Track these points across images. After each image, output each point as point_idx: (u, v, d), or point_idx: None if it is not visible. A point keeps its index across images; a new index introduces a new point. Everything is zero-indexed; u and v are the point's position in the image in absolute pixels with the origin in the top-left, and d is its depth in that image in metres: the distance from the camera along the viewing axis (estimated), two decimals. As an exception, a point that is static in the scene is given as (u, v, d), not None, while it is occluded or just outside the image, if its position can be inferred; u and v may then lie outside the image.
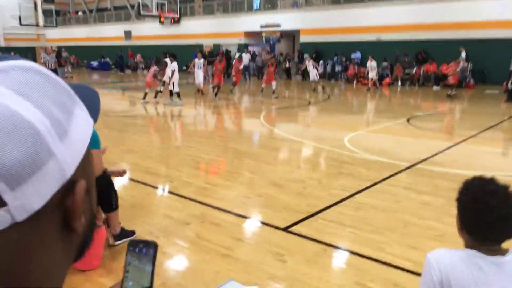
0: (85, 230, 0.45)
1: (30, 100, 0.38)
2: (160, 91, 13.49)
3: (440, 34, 19.50)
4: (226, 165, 6.35)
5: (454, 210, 4.32)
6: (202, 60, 15.20)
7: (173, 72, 12.45)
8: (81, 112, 0.44)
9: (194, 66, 15.35)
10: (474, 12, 18.49)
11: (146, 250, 0.60)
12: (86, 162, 0.44)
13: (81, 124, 0.43)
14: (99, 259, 3.16)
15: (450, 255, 1.37)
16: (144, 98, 13.39)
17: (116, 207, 3.40)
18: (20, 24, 35.04)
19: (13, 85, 0.38)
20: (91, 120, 0.46)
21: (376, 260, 3.27)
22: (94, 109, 0.48)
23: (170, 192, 5.05)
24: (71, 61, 29.87)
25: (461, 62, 16.59)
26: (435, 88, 18.34)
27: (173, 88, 12.79)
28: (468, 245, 1.38)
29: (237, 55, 19.95)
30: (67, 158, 0.40)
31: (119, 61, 30.19)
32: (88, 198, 0.45)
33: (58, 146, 0.38)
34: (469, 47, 18.33)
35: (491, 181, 1.34)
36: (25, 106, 0.37)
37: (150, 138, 8.38)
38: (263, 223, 4.04)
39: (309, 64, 17.87)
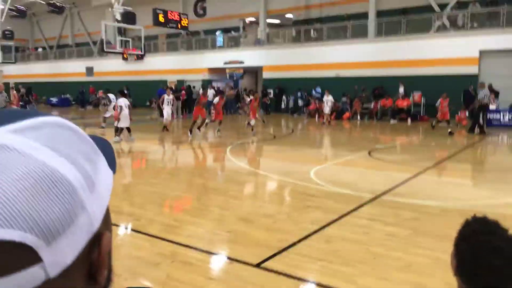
0: (105, 283, 0.45)
1: (64, 156, 0.39)
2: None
3: (394, 71, 20.60)
4: (193, 201, 6.27)
5: (418, 241, 4.44)
6: (171, 96, 15.36)
7: (120, 108, 12.06)
8: (103, 164, 0.45)
9: (162, 102, 15.41)
10: (426, 50, 19.76)
11: None
12: (108, 213, 0.45)
13: (105, 176, 0.44)
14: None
15: None
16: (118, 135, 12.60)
17: None
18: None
19: (47, 141, 0.39)
20: (111, 171, 0.47)
21: (348, 293, 3.29)
22: (111, 160, 0.49)
23: (135, 231, 4.90)
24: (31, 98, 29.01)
25: (399, 96, 17.99)
26: (392, 121, 19.17)
27: (118, 124, 12.22)
28: None
29: (201, 90, 20.14)
30: (95, 210, 0.40)
31: (80, 97, 29.67)
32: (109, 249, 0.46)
33: (88, 199, 0.39)
34: (422, 82, 19.45)
35: (495, 232, 1.19)
36: (61, 162, 0.38)
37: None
38: (235, 260, 3.99)
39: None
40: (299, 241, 4.43)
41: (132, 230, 4.99)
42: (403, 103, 19.81)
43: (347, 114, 20.78)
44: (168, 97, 14.89)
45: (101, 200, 0.42)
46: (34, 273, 0.35)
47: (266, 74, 25.98)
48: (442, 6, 20.74)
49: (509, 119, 15.37)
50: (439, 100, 15.34)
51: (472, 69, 18.86)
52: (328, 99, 17.77)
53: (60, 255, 0.36)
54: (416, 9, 21.12)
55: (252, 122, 14.41)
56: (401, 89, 19.76)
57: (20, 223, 0.34)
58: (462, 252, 1.22)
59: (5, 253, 0.34)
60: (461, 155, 10.25)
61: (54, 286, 0.37)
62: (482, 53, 18.69)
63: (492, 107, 15.44)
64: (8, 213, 0.34)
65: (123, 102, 12.09)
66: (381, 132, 16.46)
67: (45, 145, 0.38)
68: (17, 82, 33.64)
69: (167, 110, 14.90)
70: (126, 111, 12.01)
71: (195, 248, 4.22)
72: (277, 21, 28.70)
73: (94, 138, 0.50)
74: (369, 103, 20.91)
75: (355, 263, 3.84)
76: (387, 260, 3.93)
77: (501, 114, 16.33)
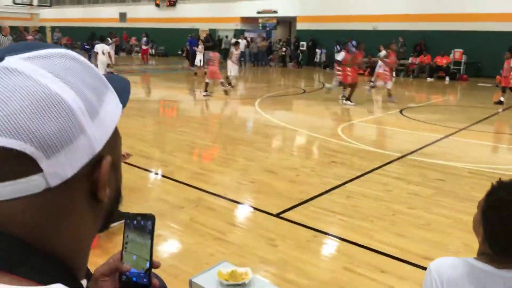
0: (111, 202, 0.52)
1: (67, 82, 0.44)
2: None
3: (435, 25, 19.52)
4: (220, 151, 6.42)
5: (441, 200, 4.44)
6: (201, 46, 16.09)
7: (96, 53, 12.22)
8: (112, 96, 0.50)
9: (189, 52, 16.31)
10: (470, 4, 18.51)
11: (144, 222, 0.62)
12: (114, 140, 0.50)
13: (112, 107, 0.49)
14: (95, 240, 3.23)
15: (454, 267, 1.24)
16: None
17: None
18: (14, 3, 34.44)
19: (54, 69, 0.44)
20: (120, 104, 0.52)
21: (364, 247, 3.38)
22: (124, 95, 0.55)
23: (164, 176, 5.12)
24: (60, 43, 29.46)
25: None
26: (429, 79, 18.45)
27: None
28: (482, 251, 1.25)
29: (233, 41, 19.87)
30: (96, 135, 0.46)
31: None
32: (114, 172, 0.51)
33: (89, 124, 0.45)
34: (463, 39, 18.41)
35: None
36: (63, 88, 0.43)
37: (144, 122, 8.40)
38: (256, 208, 4.13)
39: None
40: (320, 194, 4.52)
41: (162, 175, 5.20)
42: (442, 61, 18.93)
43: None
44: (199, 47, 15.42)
45: (104, 127, 0.47)
46: (35, 181, 0.42)
47: (300, 25, 25.20)
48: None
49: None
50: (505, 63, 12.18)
51: (521, 26, 17.61)
52: (380, 55, 16.19)
53: (59, 168, 0.42)
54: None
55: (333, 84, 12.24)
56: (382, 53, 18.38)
57: (21, 134, 0.40)
58: (491, 222, 1.20)
59: (8, 160, 0.40)
60: (496, 117, 9.86)
61: (56, 195, 0.43)
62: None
63: None
64: (11, 126, 0.40)
65: (100, 48, 12.07)
66: (416, 90, 15.94)
67: (51, 72, 0.44)
68: (53, 26, 34.15)
69: (199, 57, 15.72)
70: (102, 57, 11.96)
71: (219, 196, 4.38)
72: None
73: (111, 76, 0.55)
74: (406, 60, 20.10)
75: (373, 219, 3.91)
76: (407, 218, 3.97)
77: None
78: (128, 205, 3.96)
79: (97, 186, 0.47)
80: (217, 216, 3.88)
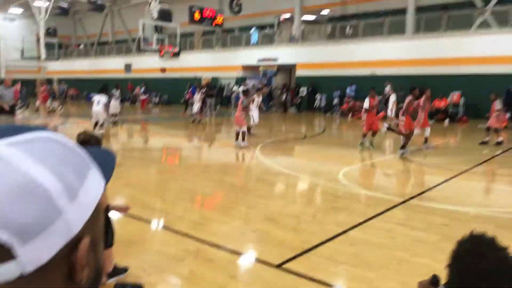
0: (90, 282, 0.51)
1: (48, 167, 0.45)
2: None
3: (432, 69, 19.97)
4: (221, 200, 6.38)
5: (446, 247, 4.33)
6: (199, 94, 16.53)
7: (92, 103, 12.56)
8: (94, 175, 0.51)
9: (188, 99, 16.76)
10: (467, 48, 19.02)
11: None
12: (94, 219, 0.50)
13: (93, 186, 0.50)
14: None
15: None
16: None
17: (111, 244, 3.41)
18: (22, 57, 35.72)
19: (36, 154, 0.45)
20: (103, 181, 0.53)
21: (368, 298, 3.27)
22: (108, 170, 0.56)
23: (164, 227, 5.06)
24: (66, 94, 30.23)
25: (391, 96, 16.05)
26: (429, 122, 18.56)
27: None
28: None
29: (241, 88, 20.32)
30: (75, 217, 0.46)
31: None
32: (94, 252, 0.50)
33: (67, 206, 0.45)
34: (462, 82, 18.75)
35: (486, 254, 1.23)
36: (43, 173, 0.44)
37: (146, 171, 8.43)
38: (257, 259, 4.05)
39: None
40: (323, 243, 4.43)
41: (162, 226, 5.15)
42: (440, 103, 19.19)
43: (382, 114, 20.33)
44: (197, 95, 15.89)
45: (83, 208, 0.48)
46: (9, 268, 0.41)
47: (299, 72, 25.83)
48: (485, 1, 19.89)
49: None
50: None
51: (517, 68, 17.99)
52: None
53: (35, 254, 0.42)
54: (457, 5, 20.35)
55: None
56: (387, 88, 19.31)
57: None
58: (451, 272, 1.26)
59: None
60: (499, 159, 9.84)
61: (32, 280, 0.43)
62: (528, 51, 17.78)
63: None
64: None
65: (97, 98, 12.25)
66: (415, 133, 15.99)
67: (32, 156, 0.45)
68: (60, 78, 35.13)
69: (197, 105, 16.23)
70: (96, 107, 12.04)
71: (219, 246, 4.31)
72: (312, 18, 28.43)
73: (95, 150, 0.56)
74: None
75: (378, 268, 3.81)
76: (412, 266, 3.87)
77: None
78: (127, 259, 3.90)
79: (74, 268, 0.46)
80: (217, 268, 3.79)
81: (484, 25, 19.18)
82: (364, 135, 10.58)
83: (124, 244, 4.31)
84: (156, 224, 5.23)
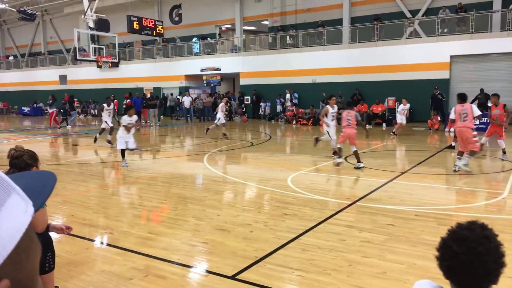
0: None
1: None
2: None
3: (368, 76, 20.97)
4: (169, 212, 6.17)
5: (393, 246, 4.48)
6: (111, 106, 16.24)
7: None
8: (14, 204, 0.42)
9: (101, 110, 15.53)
10: (399, 56, 20.18)
11: None
12: (18, 255, 0.41)
13: (12, 218, 0.41)
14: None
15: None
16: None
17: (51, 269, 3.12)
18: None
19: None
20: (30, 208, 0.44)
21: (324, 303, 3.27)
22: (42, 194, 0.48)
23: (109, 245, 4.78)
24: None
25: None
26: (367, 126, 19.40)
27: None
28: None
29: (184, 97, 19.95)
30: None
31: (63, 108, 29.10)
32: None
33: None
34: (396, 88, 19.83)
35: (471, 228, 1.31)
36: None
37: (87, 187, 7.98)
38: (210, 272, 3.93)
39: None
40: (276, 250, 4.41)
41: (105, 244, 4.86)
42: (377, 109, 20.15)
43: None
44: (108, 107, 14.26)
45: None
46: None
47: (243, 81, 26.00)
48: (414, 13, 21.27)
49: (479, 122, 15.75)
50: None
51: (444, 74, 19.36)
52: (404, 107, 16.10)
53: None
54: (389, 16, 21.58)
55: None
56: (288, 95, 21.39)
57: None
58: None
59: None
60: (434, 160, 10.45)
61: None
62: (452, 58, 19.21)
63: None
64: None
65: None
66: (357, 137, 16.60)
67: None
68: (-13, 91, 32.66)
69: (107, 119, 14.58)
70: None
71: (170, 261, 4.14)
72: (253, 28, 28.82)
73: (31, 173, 0.47)
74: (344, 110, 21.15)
75: (330, 272, 3.84)
76: (363, 267, 3.95)
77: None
78: (69, 282, 3.62)
79: None
80: (168, 285, 3.62)
81: (414, 34, 20.50)
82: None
83: (65, 266, 4.01)
84: (100, 242, 4.93)
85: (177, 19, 29.82)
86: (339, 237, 4.78)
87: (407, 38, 20.51)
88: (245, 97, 25.28)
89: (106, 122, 14.07)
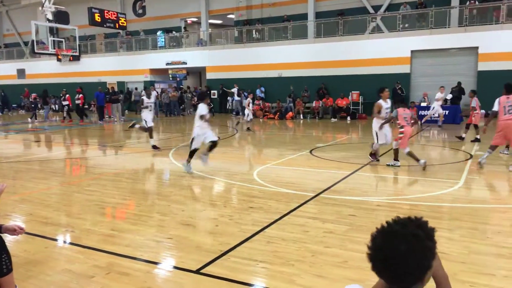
0: None
1: None
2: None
3: (333, 70, 21.31)
4: (133, 208, 6.08)
5: (355, 236, 4.62)
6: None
7: None
8: None
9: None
10: (362, 50, 20.62)
11: None
12: None
13: None
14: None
15: None
16: None
17: (9, 270, 2.99)
18: None
19: None
20: None
21: (287, 293, 3.34)
22: None
23: (70, 243, 4.67)
24: None
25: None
26: (333, 120, 19.81)
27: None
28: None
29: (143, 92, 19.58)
30: None
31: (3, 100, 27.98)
32: None
33: None
34: (360, 82, 20.27)
35: (403, 222, 1.30)
36: None
37: (47, 185, 7.72)
38: (175, 267, 3.92)
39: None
40: (241, 243, 4.44)
41: (66, 242, 4.74)
42: (342, 102, 20.53)
43: (290, 114, 21.17)
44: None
45: None
46: None
47: (210, 75, 25.83)
48: (377, 8, 21.75)
49: (438, 114, 16.39)
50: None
51: (405, 68, 19.96)
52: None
53: None
54: (353, 11, 21.98)
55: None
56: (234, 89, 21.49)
57: None
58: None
59: None
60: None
61: None
62: (413, 52, 19.82)
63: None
64: None
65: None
66: (322, 130, 16.93)
67: None
68: None
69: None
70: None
71: (133, 258, 4.09)
72: (219, 22, 28.63)
73: None
74: (311, 103, 21.47)
75: (294, 263, 3.91)
76: (325, 257, 4.04)
77: (431, 110, 17.37)
78: (29, 282, 3.51)
79: None
80: (132, 282, 3.58)
81: (376, 29, 20.99)
82: None
83: (24, 265, 3.89)
84: (61, 240, 4.81)
85: (141, 11, 29.19)
86: (303, 228, 4.87)
87: (370, 33, 20.98)
88: (212, 91, 25.11)
89: (145, 121, 11.48)
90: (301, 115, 21.07)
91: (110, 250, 4.30)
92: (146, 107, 11.43)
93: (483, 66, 18.27)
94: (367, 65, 20.48)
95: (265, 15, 25.16)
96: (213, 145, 8.01)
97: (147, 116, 11.42)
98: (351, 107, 20.45)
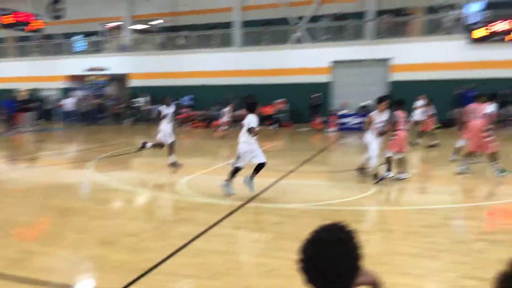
0: None
1: None
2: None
3: (259, 79, 21.70)
4: (46, 227, 5.60)
5: (281, 244, 4.65)
6: None
7: None
8: None
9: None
10: (286, 60, 21.25)
11: None
12: None
13: None
14: None
15: None
16: None
17: None
18: None
19: None
20: None
21: (214, 309, 3.25)
22: None
23: (-29, 271, 4.15)
24: None
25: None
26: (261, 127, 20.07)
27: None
28: None
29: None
30: None
31: None
32: None
33: None
34: (285, 91, 20.84)
35: (328, 229, 1.34)
36: None
37: None
38: (92, 289, 3.64)
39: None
40: (166, 259, 4.26)
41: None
42: (268, 110, 20.91)
43: (219, 121, 21.08)
44: None
45: None
46: None
47: (134, 82, 24.93)
48: (301, 19, 22.58)
49: (357, 122, 17.41)
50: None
51: (326, 78, 20.91)
52: (419, 104, 13.58)
53: None
54: (277, 21, 22.57)
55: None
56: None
57: None
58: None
59: None
60: (318, 159, 11.20)
61: None
62: (334, 63, 20.83)
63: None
64: None
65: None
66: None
67: None
68: None
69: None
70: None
71: (46, 283, 3.74)
72: (143, 27, 27.83)
73: None
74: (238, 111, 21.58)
75: (221, 276, 3.84)
76: (252, 267, 4.03)
77: (350, 118, 18.39)
78: None
79: None
80: (42, 310, 3.26)
81: (300, 40, 21.77)
82: None
83: None
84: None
85: (57, 14, 27.40)
86: (230, 239, 4.82)
87: (294, 44, 21.70)
88: (136, 99, 24.23)
89: (163, 133, 9.59)
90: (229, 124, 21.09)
91: (18, 275, 3.89)
92: (165, 118, 9.67)
93: (394, 76, 19.74)
94: (292, 74, 21.13)
95: (191, 22, 24.93)
96: (260, 167, 6.94)
97: (167, 128, 9.65)
98: (275, 116, 20.90)
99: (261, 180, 8.04)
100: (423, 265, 4.09)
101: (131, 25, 26.25)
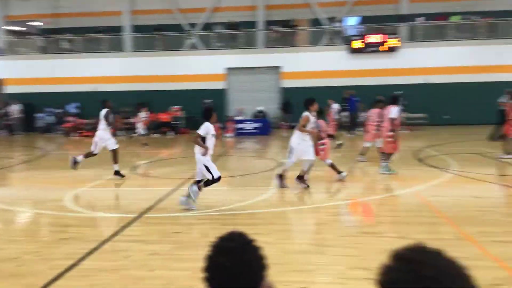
0: None
1: None
2: None
3: (153, 85, 21.10)
4: None
5: (180, 254, 4.54)
6: None
7: None
8: None
9: None
10: (181, 66, 21.00)
11: None
12: None
13: None
14: None
15: None
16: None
17: None
18: None
19: None
20: None
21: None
22: None
23: None
24: None
25: None
26: (154, 135, 19.50)
27: None
28: None
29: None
30: None
31: None
32: None
33: None
34: (181, 97, 20.56)
35: (231, 238, 1.36)
36: None
37: None
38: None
39: None
40: (50, 282, 3.87)
41: None
42: (164, 117, 20.45)
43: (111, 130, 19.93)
44: None
45: None
46: None
47: (9, 88, 22.35)
48: (194, 26, 22.54)
49: (252, 127, 17.91)
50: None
51: (222, 84, 21.16)
52: (334, 107, 14.78)
53: None
54: (170, 27, 22.21)
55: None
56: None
57: None
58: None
59: None
60: (218, 163, 11.20)
61: None
62: (228, 70, 21.18)
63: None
64: None
65: None
66: (139, 146, 16.41)
67: None
68: None
69: None
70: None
71: None
72: (20, 28, 25.16)
73: None
74: (131, 118, 20.69)
75: (115, 294, 3.60)
76: (148, 282, 3.85)
77: (247, 123, 18.85)
78: None
79: None
80: None
81: (195, 46, 21.71)
82: None
83: None
84: None
85: None
86: (124, 254, 4.55)
87: (188, 50, 21.55)
88: (12, 108, 21.75)
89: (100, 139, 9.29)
90: (122, 131, 20.09)
91: None
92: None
93: (285, 83, 20.77)
94: (187, 80, 20.94)
95: (76, 24, 23.23)
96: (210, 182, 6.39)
97: (104, 134, 9.48)
98: (172, 122, 20.51)
99: (159, 190, 7.79)
100: (313, 260, 4.32)
101: (4, 25, 23.58)
